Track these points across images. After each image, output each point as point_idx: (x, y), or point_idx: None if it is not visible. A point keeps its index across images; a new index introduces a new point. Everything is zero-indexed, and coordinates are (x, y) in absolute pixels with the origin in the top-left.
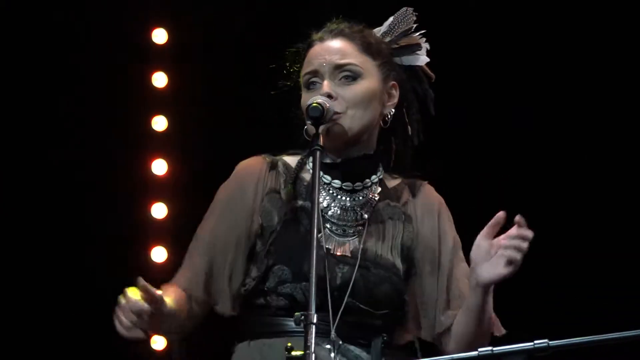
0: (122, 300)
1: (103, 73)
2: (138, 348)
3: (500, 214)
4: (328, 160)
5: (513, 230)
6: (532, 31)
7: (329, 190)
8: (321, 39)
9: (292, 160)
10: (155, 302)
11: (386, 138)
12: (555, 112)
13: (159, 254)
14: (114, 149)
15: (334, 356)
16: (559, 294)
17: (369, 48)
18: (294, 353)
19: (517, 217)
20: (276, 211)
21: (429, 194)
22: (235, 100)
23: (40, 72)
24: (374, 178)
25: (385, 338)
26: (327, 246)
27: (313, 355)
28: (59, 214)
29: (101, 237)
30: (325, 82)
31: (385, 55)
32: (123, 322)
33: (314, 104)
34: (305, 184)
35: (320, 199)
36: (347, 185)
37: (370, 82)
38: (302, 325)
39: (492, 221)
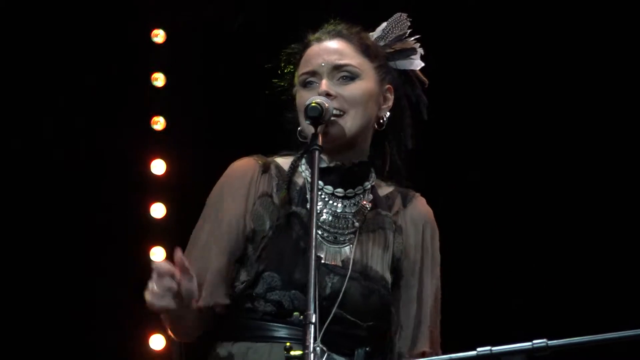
0: (155, 265)
1: (103, 73)
2: (137, 348)
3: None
4: (322, 165)
5: None
6: (532, 31)
7: (321, 195)
8: (319, 40)
9: (284, 162)
10: (186, 272)
11: (379, 143)
12: (554, 112)
13: (157, 254)
14: (114, 149)
15: None
16: (557, 293)
17: (366, 50)
18: (293, 353)
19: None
20: (268, 215)
21: (419, 206)
22: (234, 100)
23: (39, 71)
24: (367, 185)
25: (368, 350)
26: (318, 254)
27: (312, 355)
28: (59, 213)
29: (101, 237)
30: (324, 81)
31: (381, 58)
32: (154, 290)
33: (313, 104)
34: (298, 188)
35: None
36: (340, 191)
37: (367, 83)
38: (300, 325)
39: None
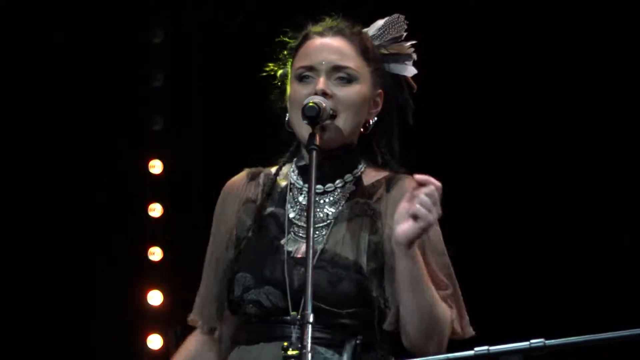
0: None
1: (102, 73)
2: (135, 348)
3: (431, 182)
4: (301, 163)
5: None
6: (531, 31)
7: (301, 193)
8: (321, 34)
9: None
10: None
11: (366, 144)
12: (554, 111)
13: (155, 254)
14: (112, 149)
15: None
16: (555, 293)
17: (366, 53)
18: (290, 352)
19: (416, 176)
20: (250, 219)
21: (404, 186)
22: (233, 100)
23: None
24: (348, 177)
25: (359, 340)
26: (289, 249)
27: (309, 354)
28: (58, 214)
29: (99, 237)
30: (322, 79)
31: (378, 62)
32: None
33: (311, 104)
34: (279, 190)
35: (288, 206)
36: (319, 188)
37: (363, 87)
38: (298, 324)
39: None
